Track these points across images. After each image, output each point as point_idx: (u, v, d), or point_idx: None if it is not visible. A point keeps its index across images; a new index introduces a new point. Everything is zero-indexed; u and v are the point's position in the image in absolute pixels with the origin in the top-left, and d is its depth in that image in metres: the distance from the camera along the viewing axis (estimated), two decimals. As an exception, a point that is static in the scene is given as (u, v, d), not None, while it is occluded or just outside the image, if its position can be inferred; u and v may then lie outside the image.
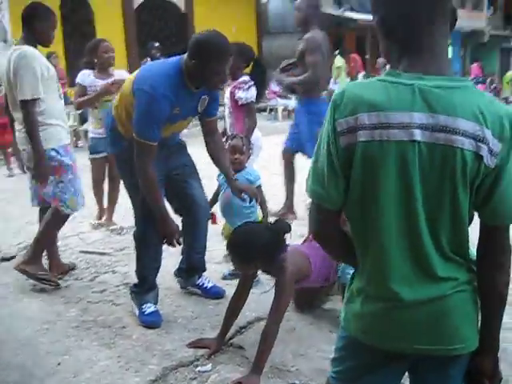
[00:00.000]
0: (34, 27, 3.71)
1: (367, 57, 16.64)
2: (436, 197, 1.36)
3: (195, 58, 2.92)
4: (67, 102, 10.95)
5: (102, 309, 3.55)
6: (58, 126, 3.78)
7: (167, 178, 3.30)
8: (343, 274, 3.13)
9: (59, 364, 2.90)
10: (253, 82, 4.16)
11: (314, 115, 4.69)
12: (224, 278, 3.93)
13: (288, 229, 2.91)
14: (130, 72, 3.82)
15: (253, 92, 4.17)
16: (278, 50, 17.28)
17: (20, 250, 4.73)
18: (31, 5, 3.80)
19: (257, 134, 4.43)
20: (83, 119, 10.65)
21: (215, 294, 3.63)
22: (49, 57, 10.67)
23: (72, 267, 4.27)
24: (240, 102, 4.16)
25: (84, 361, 2.93)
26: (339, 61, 15.02)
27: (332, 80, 15.03)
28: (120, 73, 5.16)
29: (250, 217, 3.66)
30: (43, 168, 3.67)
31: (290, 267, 2.83)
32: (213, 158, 3.46)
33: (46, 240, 3.97)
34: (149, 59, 11.23)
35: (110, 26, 13.37)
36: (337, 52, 15.40)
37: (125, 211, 4.63)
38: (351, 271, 3.05)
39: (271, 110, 15.20)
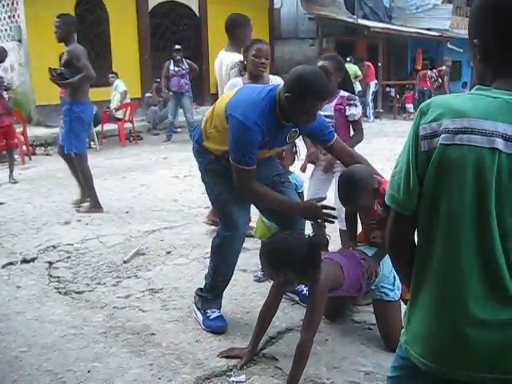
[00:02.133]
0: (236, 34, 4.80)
1: (379, 64, 16.59)
2: (511, 209, 1.32)
3: (291, 91, 2.78)
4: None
5: (129, 315, 3.49)
6: None
7: None
8: (377, 288, 3.08)
9: (89, 371, 2.85)
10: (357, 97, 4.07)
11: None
12: (258, 279, 3.98)
13: (326, 245, 2.86)
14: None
15: (361, 107, 4.08)
16: (290, 55, 17.31)
17: (40, 252, 4.70)
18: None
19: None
20: (96, 121, 10.61)
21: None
22: (60, 57, 10.67)
23: None
24: (351, 119, 4.00)
25: (115, 368, 2.88)
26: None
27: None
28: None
29: None
30: None
31: (322, 278, 2.76)
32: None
33: None
34: (172, 61, 11.42)
35: (123, 28, 13.38)
36: (348, 59, 15.38)
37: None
38: (387, 285, 3.05)
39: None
